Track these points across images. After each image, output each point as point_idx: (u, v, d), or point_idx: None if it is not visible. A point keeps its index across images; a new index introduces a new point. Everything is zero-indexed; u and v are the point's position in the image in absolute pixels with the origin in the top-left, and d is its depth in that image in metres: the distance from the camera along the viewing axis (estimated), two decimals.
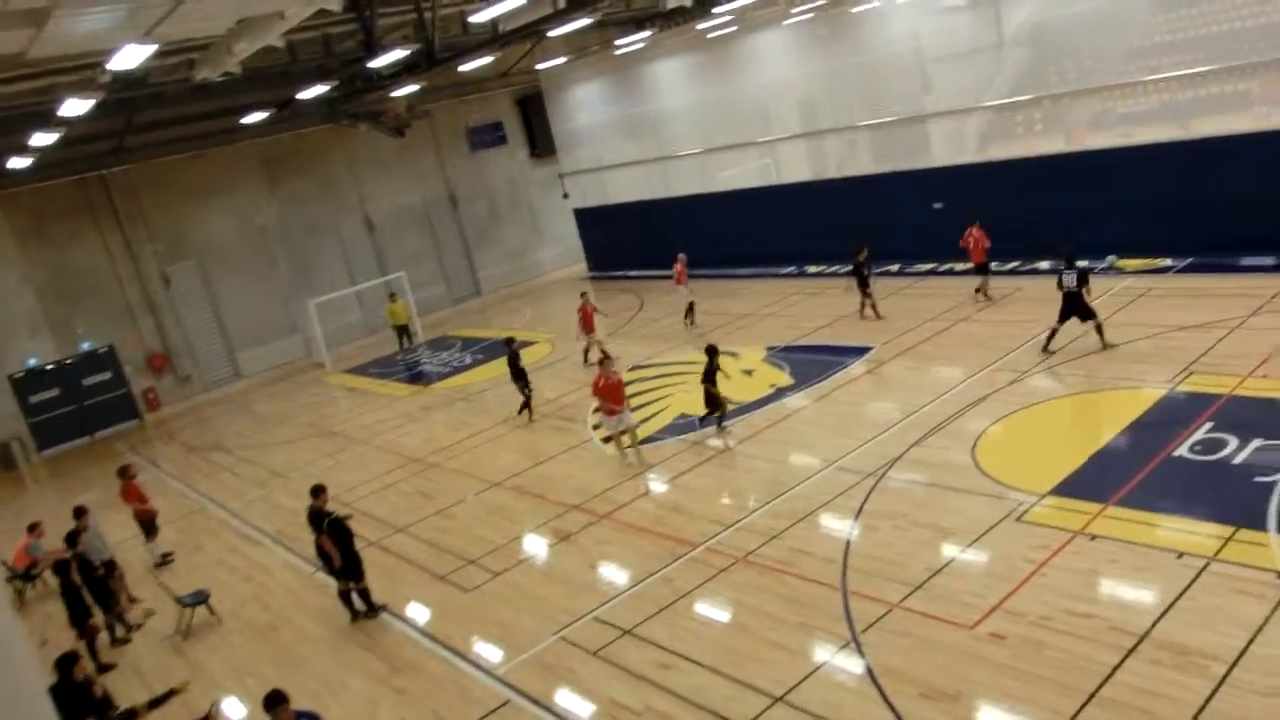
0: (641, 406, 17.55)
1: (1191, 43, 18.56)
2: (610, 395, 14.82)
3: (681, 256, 23.33)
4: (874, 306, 19.43)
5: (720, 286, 26.29)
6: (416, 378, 24.90)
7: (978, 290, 19.36)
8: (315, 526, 11.65)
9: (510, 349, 18.31)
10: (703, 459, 14.45)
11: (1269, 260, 16.84)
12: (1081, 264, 15.06)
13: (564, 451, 16.24)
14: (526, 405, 18.35)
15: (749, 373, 18.19)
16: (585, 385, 19.64)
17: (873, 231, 23.57)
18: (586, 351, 21.29)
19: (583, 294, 21.43)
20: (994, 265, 19.21)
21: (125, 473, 15.50)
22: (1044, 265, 19.88)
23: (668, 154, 29.93)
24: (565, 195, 33.62)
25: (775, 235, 26.03)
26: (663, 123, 29.86)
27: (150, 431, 26.29)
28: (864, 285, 19.33)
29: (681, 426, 16.04)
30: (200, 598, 12.76)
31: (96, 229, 26.84)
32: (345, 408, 23.55)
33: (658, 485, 13.93)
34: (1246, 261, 17.07)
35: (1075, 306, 14.89)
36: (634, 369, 20.26)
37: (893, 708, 8.04)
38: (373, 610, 11.87)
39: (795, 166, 26.88)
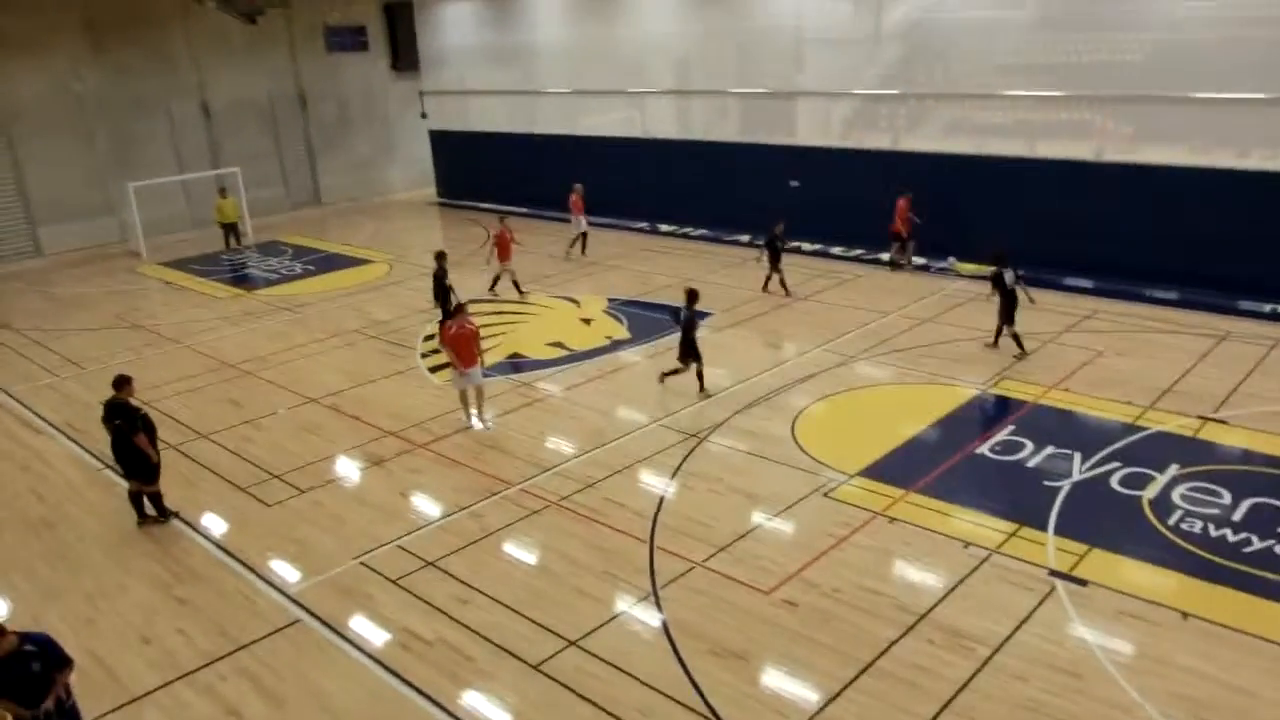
0: None
1: (1056, 67, 19.52)
2: (461, 347, 12.98)
3: (578, 187, 23.19)
4: (783, 282, 18.90)
5: (569, 231, 25.99)
6: (240, 281, 23.44)
7: (892, 260, 20.34)
8: (121, 421, 10.54)
9: (438, 265, 17.00)
10: (529, 401, 14.28)
11: (1086, 283, 18.20)
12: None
13: (388, 376, 15.69)
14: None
15: (587, 322, 18.10)
16: (419, 311, 19.08)
17: (730, 201, 23.98)
18: (496, 280, 20.18)
19: (502, 219, 20.57)
20: (838, 251, 19.83)
21: None
22: (884, 256, 20.70)
23: (535, 89, 29.22)
24: (424, 114, 32.35)
25: (633, 189, 25.96)
26: (534, 56, 29.08)
27: None
28: (775, 260, 18.79)
29: (511, 366, 15.80)
30: None
31: None
32: (158, 302, 21.93)
33: (479, 422, 13.66)
34: (1068, 281, 18.32)
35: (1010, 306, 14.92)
36: (472, 302, 19.75)
37: (681, 662, 8.20)
38: (164, 515, 11.12)
39: (662, 123, 26.76)
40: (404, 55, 33.64)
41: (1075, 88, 19.18)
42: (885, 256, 20.65)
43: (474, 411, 13.43)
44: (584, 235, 23.40)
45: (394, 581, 9.65)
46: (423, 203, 33.07)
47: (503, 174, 30.03)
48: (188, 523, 11.10)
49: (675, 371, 14.10)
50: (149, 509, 11.10)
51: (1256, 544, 9.46)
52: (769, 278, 19.13)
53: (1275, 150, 17.08)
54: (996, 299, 15.02)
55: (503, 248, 19.94)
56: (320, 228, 29.53)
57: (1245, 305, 16.66)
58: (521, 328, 17.94)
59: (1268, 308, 16.47)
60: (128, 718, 7.94)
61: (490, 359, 16.14)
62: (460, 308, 13.56)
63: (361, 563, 10.04)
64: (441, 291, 16.94)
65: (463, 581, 9.58)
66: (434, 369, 15.89)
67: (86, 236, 27.68)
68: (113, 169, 27.74)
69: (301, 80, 32.10)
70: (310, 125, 32.54)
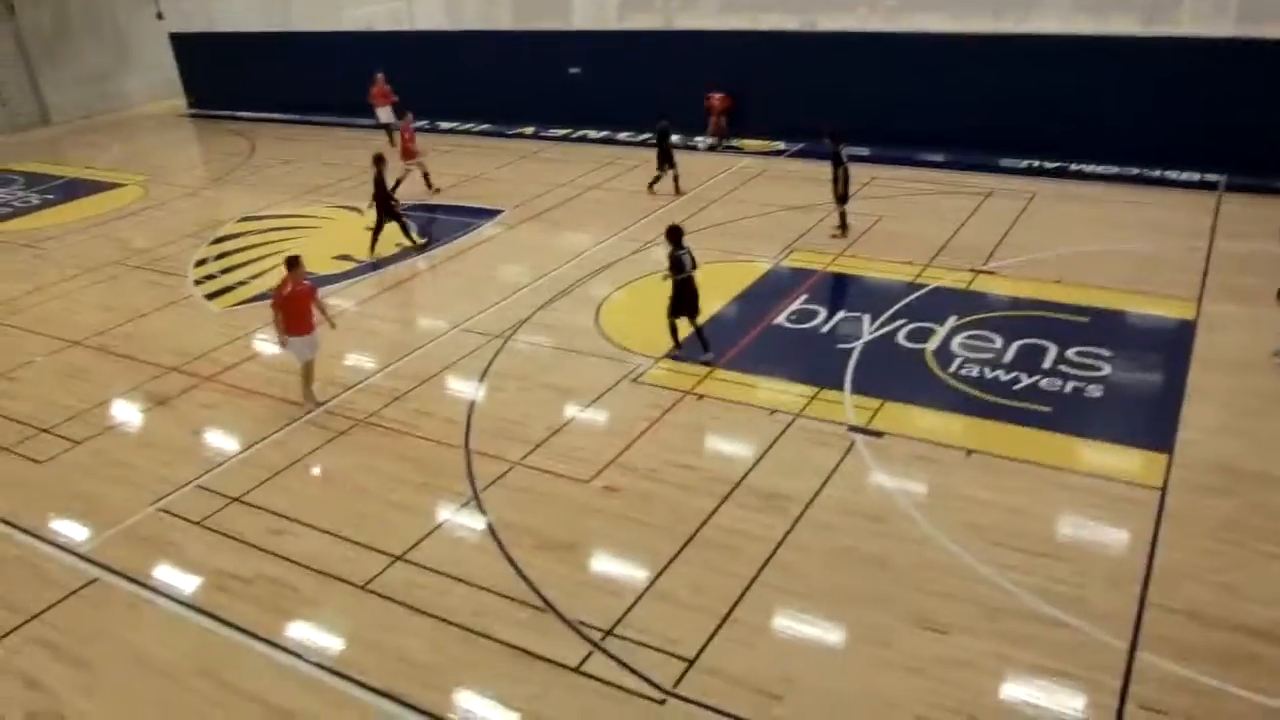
0: (254, 261, 16.08)
1: None
2: (296, 311, 10.67)
3: (378, 76, 22.45)
4: (675, 179, 17.82)
5: (343, 136, 24.58)
6: None
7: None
8: None
9: (376, 169, 15.39)
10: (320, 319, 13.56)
11: (863, 151, 18.93)
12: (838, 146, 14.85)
13: (160, 308, 14.44)
14: (406, 233, 15.99)
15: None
16: (186, 235, 17.58)
17: (512, 92, 23.25)
18: (399, 182, 18.07)
19: (403, 113, 19.12)
20: (624, 136, 19.72)
21: None
22: (675, 138, 20.73)
23: None
24: (160, 15, 29.19)
25: (407, 85, 24.60)
26: None
27: None
28: (666, 157, 17.62)
29: None
30: None
31: None
32: None
33: (270, 346, 12.88)
34: (845, 150, 18.98)
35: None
36: (243, 220, 18.44)
37: (510, 559, 8.23)
38: None
39: (431, 14, 25.39)
40: None
41: None
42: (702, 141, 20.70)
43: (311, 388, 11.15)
44: (388, 128, 22.41)
45: (198, 523, 9.08)
46: (173, 115, 30.13)
47: (260, 78, 27.72)
48: None
49: (676, 332, 11.64)
50: None
51: (1025, 381, 10.45)
52: (657, 178, 17.85)
53: (1026, 13, 18.27)
54: (834, 177, 14.70)
55: (407, 143, 18.65)
56: (54, 150, 26.44)
57: (1005, 163, 18.02)
58: (304, 242, 16.89)
59: (1024, 163, 17.90)
60: None
61: (273, 278, 15.16)
62: (294, 261, 10.84)
63: (159, 509, 9.37)
64: (382, 198, 15.57)
65: (275, 513, 9.15)
66: (211, 295, 14.76)
67: None
68: None
69: None
70: (23, 33, 28.65)
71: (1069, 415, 9.77)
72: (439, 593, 7.92)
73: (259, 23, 27.79)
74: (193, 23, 29.15)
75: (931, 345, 11.38)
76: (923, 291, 12.90)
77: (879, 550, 8.02)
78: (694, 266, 11.23)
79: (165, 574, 8.45)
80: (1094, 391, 10.17)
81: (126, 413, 11.44)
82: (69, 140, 27.69)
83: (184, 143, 27.13)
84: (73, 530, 9.18)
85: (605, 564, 8.20)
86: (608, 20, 23.05)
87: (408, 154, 18.75)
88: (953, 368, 10.83)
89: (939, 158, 18.54)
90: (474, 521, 8.83)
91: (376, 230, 15.78)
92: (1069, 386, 10.27)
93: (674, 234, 11.28)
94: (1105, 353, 10.89)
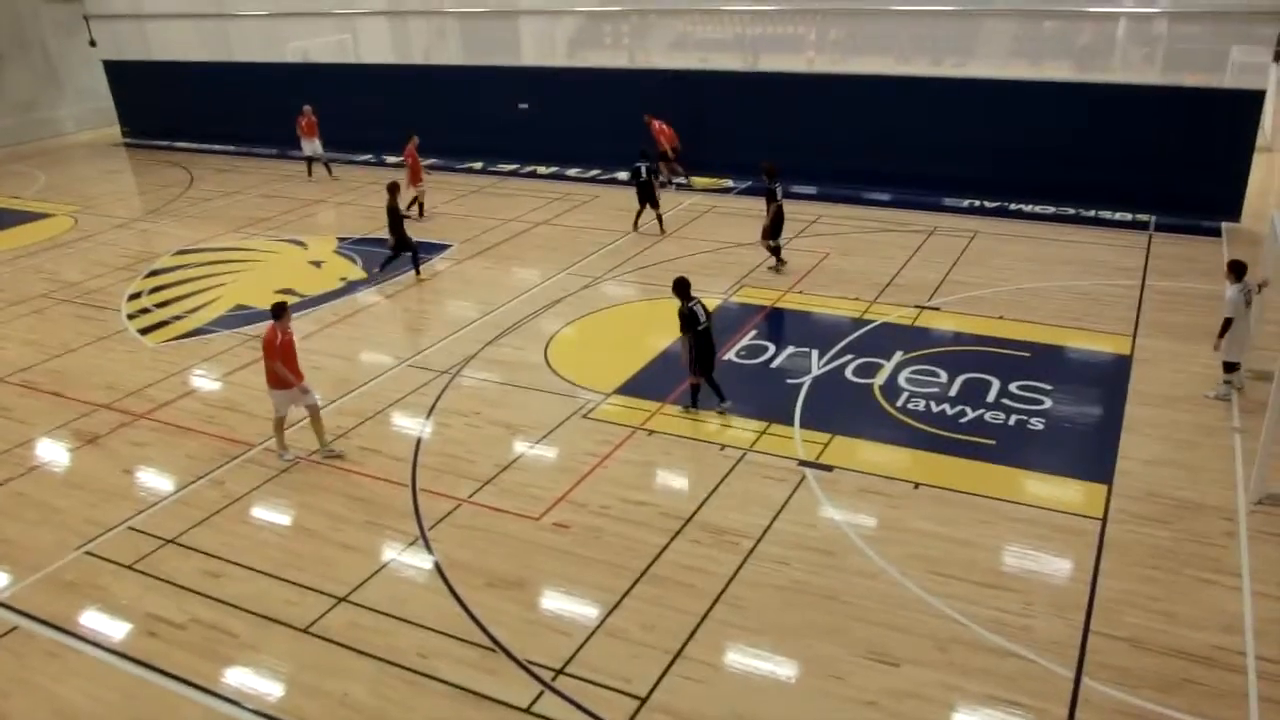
0: (191, 295, 15.71)
1: None
2: (291, 360, 10.20)
3: (306, 109, 22.41)
4: (659, 218, 17.60)
5: (282, 169, 24.25)
6: None
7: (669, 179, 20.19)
8: None
9: (390, 197, 15.44)
10: (262, 355, 13.23)
11: (810, 189, 19.38)
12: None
13: (90, 343, 13.98)
14: (414, 265, 16.02)
15: (318, 264, 17.01)
16: (118, 269, 17.12)
17: (460, 128, 23.18)
18: (413, 205, 18.77)
19: (410, 136, 18.93)
20: (573, 173, 19.75)
21: None
22: (623, 175, 20.81)
23: (225, 11, 26.60)
24: (92, 43, 28.63)
25: (351, 119, 24.42)
26: None
27: None
28: (648, 196, 17.35)
29: (238, 319, 14.58)
30: None
31: None
32: None
33: (208, 382, 12.55)
34: (793, 189, 19.23)
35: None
36: (180, 253, 18.03)
37: (458, 598, 8.05)
38: None
39: (377, 47, 25.27)
40: None
41: (790, 1, 20.02)
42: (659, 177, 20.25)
43: (323, 436, 10.52)
44: (315, 160, 22.57)
45: (129, 567, 8.73)
46: (106, 144, 29.47)
47: (200, 109, 27.29)
48: None
49: (696, 388, 10.97)
50: None
51: (970, 414, 10.59)
52: (640, 214, 17.65)
53: (964, 59, 18.79)
54: (768, 213, 14.83)
55: (414, 169, 19.01)
56: None
57: (948, 201, 18.47)
58: (245, 276, 16.57)
59: (965, 203, 18.36)
60: None
61: (211, 313, 14.86)
62: (282, 309, 10.11)
63: (86, 552, 8.99)
64: (397, 226, 15.58)
65: (211, 554, 8.83)
66: (145, 330, 14.36)
67: None
68: None
69: None
70: None
71: (1013, 448, 9.92)
72: (385, 634, 7.69)
73: (200, 52, 27.35)
74: (128, 51, 28.58)
75: (879, 380, 11.49)
76: (870, 327, 13.05)
77: (830, 584, 8.00)
78: (708, 317, 10.59)
79: (92, 620, 8.09)
80: (1036, 424, 10.35)
81: (52, 452, 11.00)
82: None
83: (118, 173, 26.49)
84: None
85: (555, 602, 8.05)
86: (557, 57, 23.13)
87: (415, 177, 19.06)
88: (900, 402, 10.95)
89: (884, 196, 18.93)
90: (421, 561, 8.63)
91: (394, 256, 15.88)
92: (1012, 419, 10.44)
93: (681, 287, 10.53)
94: (1046, 386, 11.11)
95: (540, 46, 23.64)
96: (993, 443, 10.00)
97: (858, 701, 6.77)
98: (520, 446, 10.43)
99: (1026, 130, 17.79)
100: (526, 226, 18.48)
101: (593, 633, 7.59)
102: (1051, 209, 17.92)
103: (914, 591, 7.85)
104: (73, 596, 8.39)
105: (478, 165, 22.93)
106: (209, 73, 27.08)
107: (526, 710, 6.85)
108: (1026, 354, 11.99)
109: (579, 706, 6.85)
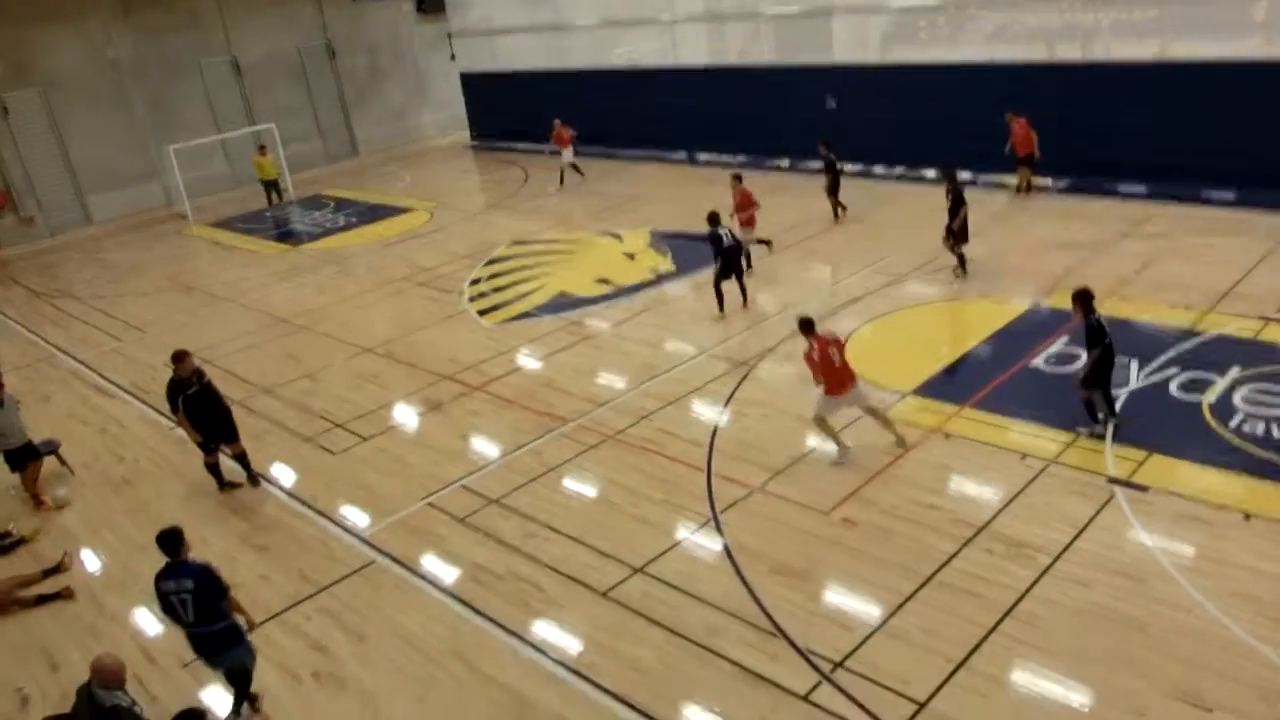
0: (521, 283, 17.34)
1: None
2: (833, 368, 9.85)
3: (557, 121, 24.18)
4: (838, 205, 18.39)
5: (608, 166, 25.89)
6: (286, 236, 23.78)
7: (1019, 186, 18.70)
8: (171, 403, 10.65)
9: (712, 228, 14.30)
10: (579, 338, 14.42)
11: (1140, 188, 17.63)
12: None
13: (438, 322, 15.92)
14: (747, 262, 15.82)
15: (631, 256, 18.11)
16: (461, 257, 19.25)
17: (768, 125, 23.57)
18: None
19: (738, 176, 17.20)
20: (880, 170, 19.44)
21: None
22: (930, 174, 20.25)
23: (563, 24, 28.80)
24: (453, 57, 32.18)
25: (669, 119, 25.62)
26: None
27: None
28: (835, 186, 18.07)
29: (560, 304, 15.93)
30: (50, 447, 12.03)
31: None
32: (207, 262, 22.36)
33: (532, 361, 13.86)
34: (1122, 186, 17.80)
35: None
36: (515, 244, 19.90)
37: (745, 582, 8.40)
38: (254, 480, 11.21)
39: (694, 50, 26.25)
40: None
41: None
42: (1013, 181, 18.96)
43: (890, 429, 10.17)
44: (566, 168, 24.21)
45: (461, 520, 9.96)
46: (457, 147, 33.03)
47: (535, 113, 29.75)
48: (259, 473, 11.42)
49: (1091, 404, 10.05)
50: (229, 477, 11.21)
51: None
52: (835, 204, 18.42)
53: None
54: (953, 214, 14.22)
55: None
56: (359, 179, 29.69)
57: None
58: (566, 266, 18.03)
59: None
60: None
61: (539, 298, 16.31)
62: (810, 324, 10.00)
63: (429, 504, 10.36)
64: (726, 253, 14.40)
65: (527, 516, 9.85)
66: (483, 312, 16.07)
67: (133, 202, 28.14)
68: (152, 133, 28.04)
69: (329, 30, 31.99)
70: (341, 76, 32.51)
71: None
72: (675, 607, 8.22)
73: (537, 62, 29.83)
74: (480, 63, 31.79)
75: (1210, 398, 10.41)
76: (1202, 339, 11.82)
77: (1136, 612, 7.47)
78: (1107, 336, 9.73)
79: (430, 562, 9.34)
80: None
81: (405, 415, 12.70)
82: (372, 170, 31.02)
83: (465, 172, 29.69)
84: (357, 516, 10.35)
85: (839, 596, 8.17)
86: (870, 54, 22.76)
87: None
88: (1234, 423, 9.86)
89: (1228, 195, 16.73)
90: (712, 542, 9.08)
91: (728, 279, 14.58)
92: None
93: (1084, 299, 9.65)
94: None
95: (852, 43, 23.33)
96: None
97: None
98: (813, 441, 10.57)
99: None
100: (831, 225, 18.46)
101: (874, 631, 7.64)
102: None
103: (1236, 633, 7.13)
104: (416, 540, 9.73)
105: (784, 164, 23.16)
106: (545, 80, 29.45)
107: (804, 698, 7.06)
108: None
109: (856, 702, 6.95)
